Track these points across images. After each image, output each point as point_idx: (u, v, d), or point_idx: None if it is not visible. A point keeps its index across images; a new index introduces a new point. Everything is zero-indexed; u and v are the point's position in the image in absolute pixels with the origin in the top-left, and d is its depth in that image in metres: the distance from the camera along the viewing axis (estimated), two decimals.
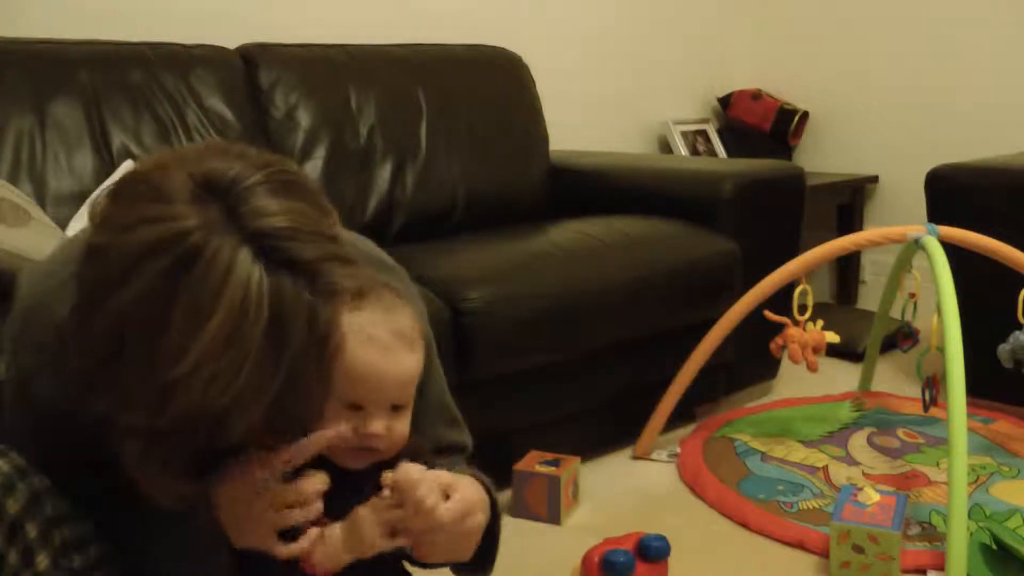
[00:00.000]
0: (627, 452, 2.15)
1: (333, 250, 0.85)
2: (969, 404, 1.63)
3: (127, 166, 1.88)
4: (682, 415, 2.22)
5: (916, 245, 1.96)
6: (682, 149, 3.22)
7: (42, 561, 0.93)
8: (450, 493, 0.97)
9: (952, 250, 1.89)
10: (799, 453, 2.12)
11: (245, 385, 0.79)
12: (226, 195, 0.80)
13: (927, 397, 2.06)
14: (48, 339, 0.94)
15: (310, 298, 0.81)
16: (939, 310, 1.76)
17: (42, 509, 0.93)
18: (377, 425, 0.98)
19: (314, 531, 0.95)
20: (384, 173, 2.28)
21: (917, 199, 2.42)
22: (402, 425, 1.01)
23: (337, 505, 0.98)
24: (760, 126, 3.37)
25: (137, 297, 0.78)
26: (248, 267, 0.79)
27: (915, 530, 1.74)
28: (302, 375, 0.83)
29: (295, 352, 0.81)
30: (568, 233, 2.16)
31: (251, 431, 0.85)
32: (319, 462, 0.97)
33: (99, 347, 0.80)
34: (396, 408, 1.00)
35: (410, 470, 0.95)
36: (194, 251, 0.77)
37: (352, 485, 0.99)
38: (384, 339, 0.99)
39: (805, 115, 3.40)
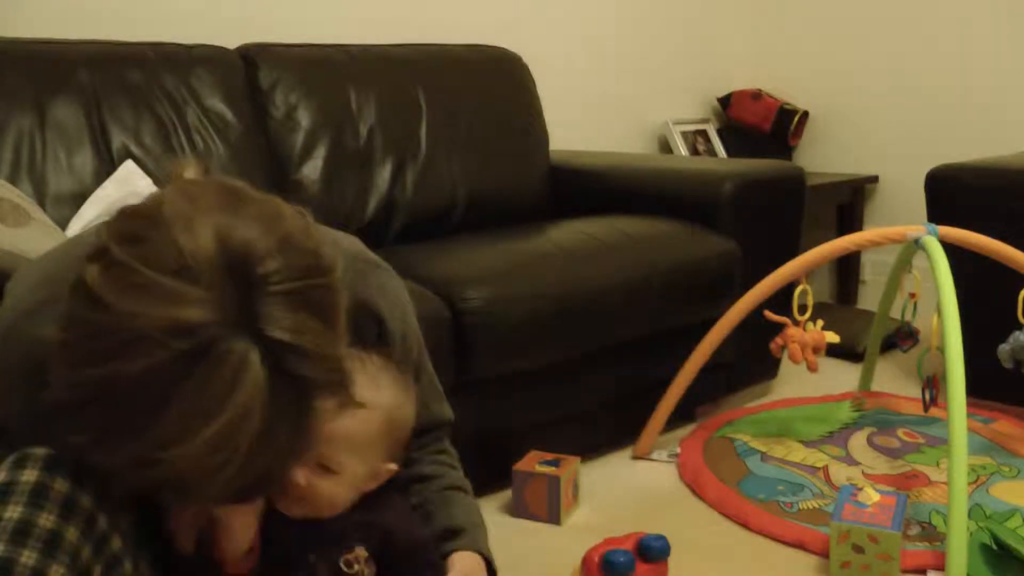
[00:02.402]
0: (627, 452, 2.15)
1: (336, 376, 0.86)
2: (969, 404, 1.63)
3: (127, 167, 1.88)
4: (682, 415, 2.22)
5: (916, 245, 1.95)
6: (682, 149, 3.22)
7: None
8: None
9: (952, 250, 1.89)
10: (799, 453, 2.12)
11: (223, 476, 0.80)
12: (250, 289, 0.78)
13: (927, 397, 2.06)
14: (15, 361, 0.94)
15: (300, 411, 0.83)
16: (939, 310, 1.76)
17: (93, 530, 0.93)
18: (347, 484, 1.03)
19: None
20: (384, 173, 2.28)
21: (917, 199, 2.42)
22: (330, 486, 1.03)
23: (318, 552, 1.02)
24: (760, 126, 3.37)
25: (139, 374, 0.75)
26: (257, 372, 0.78)
27: (915, 530, 1.74)
28: (274, 468, 0.85)
29: (275, 452, 0.83)
30: (568, 233, 2.15)
31: (210, 502, 0.89)
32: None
33: (84, 396, 0.78)
34: (322, 467, 1.02)
35: None
36: (207, 346, 0.75)
37: (332, 536, 1.03)
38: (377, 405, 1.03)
39: (805, 115, 3.40)
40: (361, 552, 1.04)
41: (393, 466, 1.11)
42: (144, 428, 0.77)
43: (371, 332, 1.10)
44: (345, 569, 1.03)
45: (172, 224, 0.77)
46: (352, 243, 1.15)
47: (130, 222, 0.80)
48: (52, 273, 0.97)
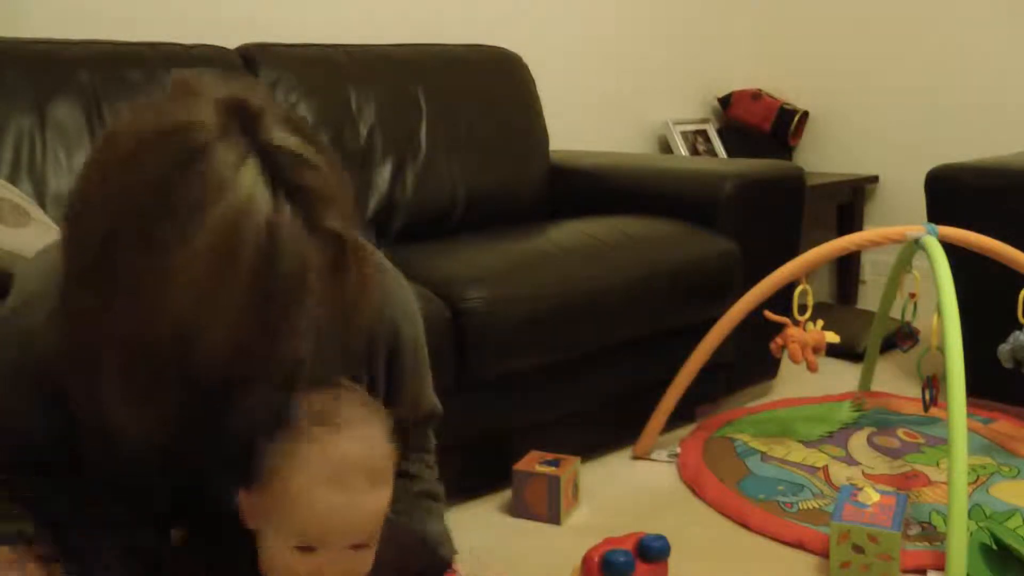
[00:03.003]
0: (627, 452, 2.15)
1: (342, 193, 0.84)
2: (969, 404, 1.63)
3: None
4: (682, 415, 2.22)
5: (916, 245, 1.96)
6: (682, 149, 3.22)
7: None
8: None
9: (952, 250, 1.89)
10: (799, 453, 2.12)
11: (221, 299, 0.77)
12: (250, 116, 0.81)
13: (927, 397, 2.06)
14: (12, 356, 0.95)
15: (306, 234, 0.80)
16: (939, 310, 1.76)
17: None
18: (329, 566, 0.91)
19: None
20: (384, 173, 2.28)
21: (917, 199, 2.42)
22: (363, 563, 0.95)
23: None
24: (760, 126, 3.37)
25: (139, 179, 0.78)
26: (252, 176, 0.78)
27: (915, 530, 1.74)
28: (276, 312, 0.80)
29: (277, 286, 0.79)
30: (568, 233, 2.15)
31: (213, 363, 0.81)
32: None
33: (95, 228, 0.80)
34: (357, 547, 0.93)
35: None
36: (201, 145, 0.77)
37: None
38: (352, 480, 0.90)
39: (805, 115, 3.40)
40: None
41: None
42: (148, 239, 0.77)
43: (382, 352, 1.09)
44: None
45: (188, 79, 0.84)
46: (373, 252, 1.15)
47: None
48: (44, 269, 0.98)
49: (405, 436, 1.05)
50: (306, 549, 0.90)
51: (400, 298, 1.13)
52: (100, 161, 0.82)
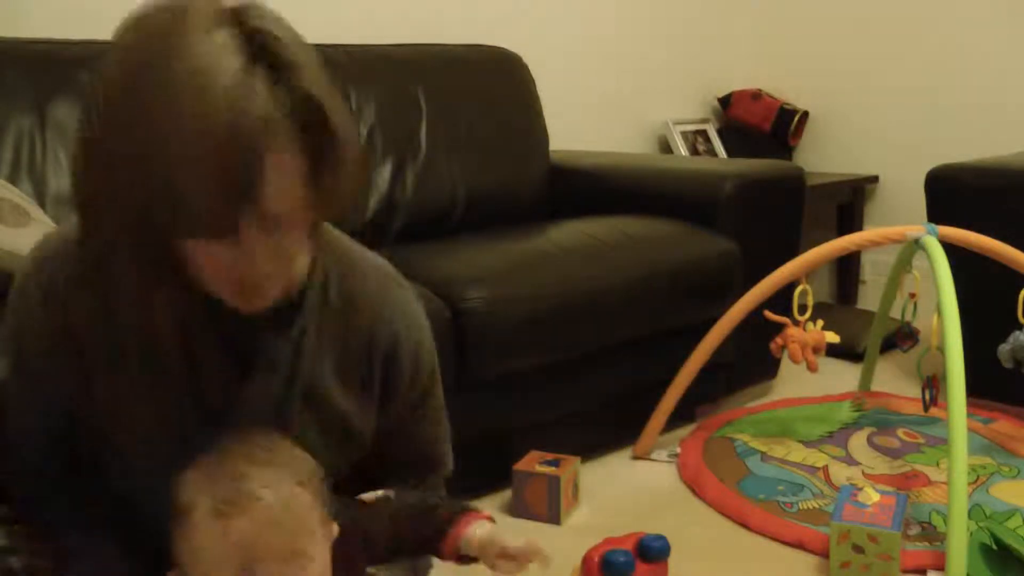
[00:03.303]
0: (627, 452, 2.15)
1: (325, 79, 0.88)
2: (969, 404, 1.63)
3: None
4: (682, 415, 2.22)
5: (916, 245, 1.96)
6: (682, 149, 3.22)
7: None
8: None
9: (952, 250, 1.89)
10: (799, 453, 2.12)
11: (194, 152, 0.79)
12: (239, 10, 0.84)
13: (927, 397, 2.06)
14: (35, 304, 0.98)
15: (285, 99, 0.83)
16: (939, 310, 1.76)
17: None
18: None
19: None
20: (384, 173, 2.28)
21: (917, 199, 2.42)
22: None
23: None
24: (760, 126, 3.37)
25: (124, 57, 0.84)
26: (223, 39, 0.81)
27: (915, 530, 1.74)
28: (250, 161, 0.81)
29: (248, 137, 0.80)
30: (568, 233, 2.15)
31: (196, 223, 0.82)
32: None
33: (95, 114, 0.88)
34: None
35: None
36: (180, 12, 0.82)
37: None
38: (265, 567, 0.85)
39: (805, 115, 3.40)
40: None
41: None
42: (131, 107, 0.82)
43: (380, 350, 1.08)
44: None
45: None
46: (380, 259, 1.14)
47: None
48: (50, 238, 1.03)
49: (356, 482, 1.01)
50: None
51: (409, 310, 1.12)
52: (103, 69, 0.87)
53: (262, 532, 0.84)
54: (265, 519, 0.85)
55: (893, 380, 2.58)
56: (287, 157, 0.83)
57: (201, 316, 0.95)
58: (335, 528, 0.96)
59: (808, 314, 2.03)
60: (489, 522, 1.05)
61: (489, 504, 1.89)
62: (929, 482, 1.96)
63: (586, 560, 1.53)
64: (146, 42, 0.83)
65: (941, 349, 1.72)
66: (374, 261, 1.12)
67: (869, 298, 3.31)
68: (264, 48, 0.83)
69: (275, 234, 0.86)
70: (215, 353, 0.98)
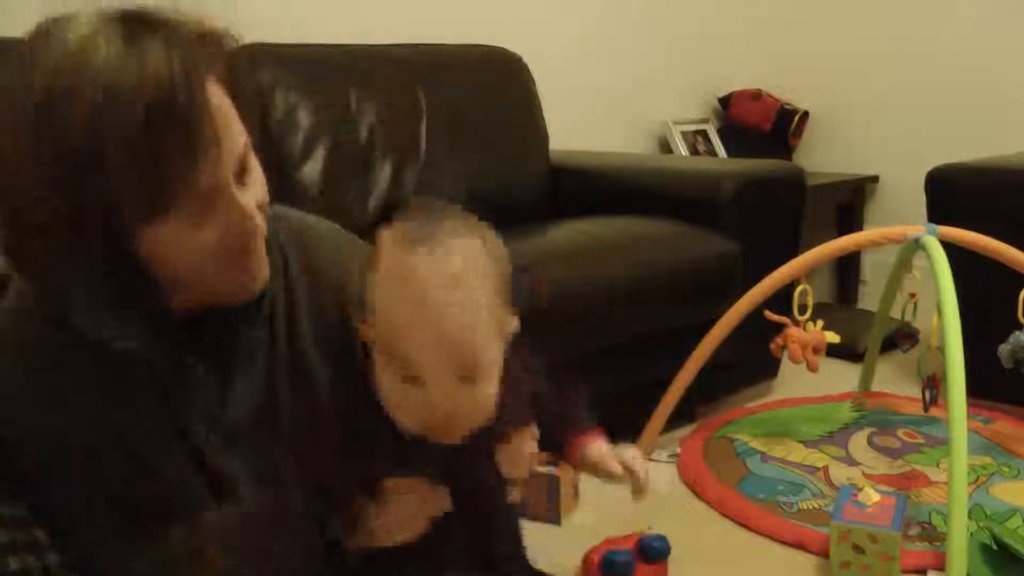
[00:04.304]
0: None
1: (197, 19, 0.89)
2: (969, 404, 1.63)
3: None
4: (682, 415, 2.22)
5: (916, 245, 1.96)
6: (682, 149, 3.22)
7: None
8: None
9: (952, 250, 1.89)
10: (799, 453, 2.12)
11: (110, 124, 0.77)
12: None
13: (927, 397, 2.06)
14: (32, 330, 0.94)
15: (165, 41, 0.82)
16: (939, 310, 1.76)
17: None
18: (437, 397, 0.84)
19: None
20: (384, 173, 2.28)
21: (917, 199, 2.42)
22: (478, 401, 0.87)
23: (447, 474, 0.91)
24: (760, 126, 3.37)
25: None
26: (95, 21, 0.83)
27: (915, 530, 1.74)
28: (174, 120, 0.80)
29: (158, 92, 0.79)
30: (568, 233, 2.15)
31: (136, 210, 0.81)
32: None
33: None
34: (464, 379, 0.85)
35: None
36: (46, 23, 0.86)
37: (461, 456, 0.90)
38: (431, 294, 0.82)
39: (805, 115, 3.40)
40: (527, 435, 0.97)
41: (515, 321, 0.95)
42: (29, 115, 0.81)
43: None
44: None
45: None
46: (330, 224, 1.17)
47: None
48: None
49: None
50: (413, 380, 0.84)
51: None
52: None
53: (440, 262, 0.83)
54: (446, 253, 0.85)
55: (893, 380, 2.58)
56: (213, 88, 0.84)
57: (177, 328, 0.93)
58: (515, 322, 0.95)
59: (808, 314, 2.03)
60: (605, 445, 1.11)
61: None
62: (929, 482, 1.96)
63: (586, 560, 1.53)
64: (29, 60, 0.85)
65: (941, 349, 1.72)
66: (328, 224, 1.14)
67: (869, 298, 3.31)
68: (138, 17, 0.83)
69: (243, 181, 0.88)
70: (198, 363, 0.97)
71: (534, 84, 2.65)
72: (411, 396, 0.85)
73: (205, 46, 0.87)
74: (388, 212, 0.88)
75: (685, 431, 2.25)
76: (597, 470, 1.09)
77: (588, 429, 1.11)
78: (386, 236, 0.89)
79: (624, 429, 2.14)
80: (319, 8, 2.47)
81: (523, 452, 1.00)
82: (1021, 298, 1.96)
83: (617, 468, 1.07)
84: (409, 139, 2.33)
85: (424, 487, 0.90)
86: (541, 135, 2.63)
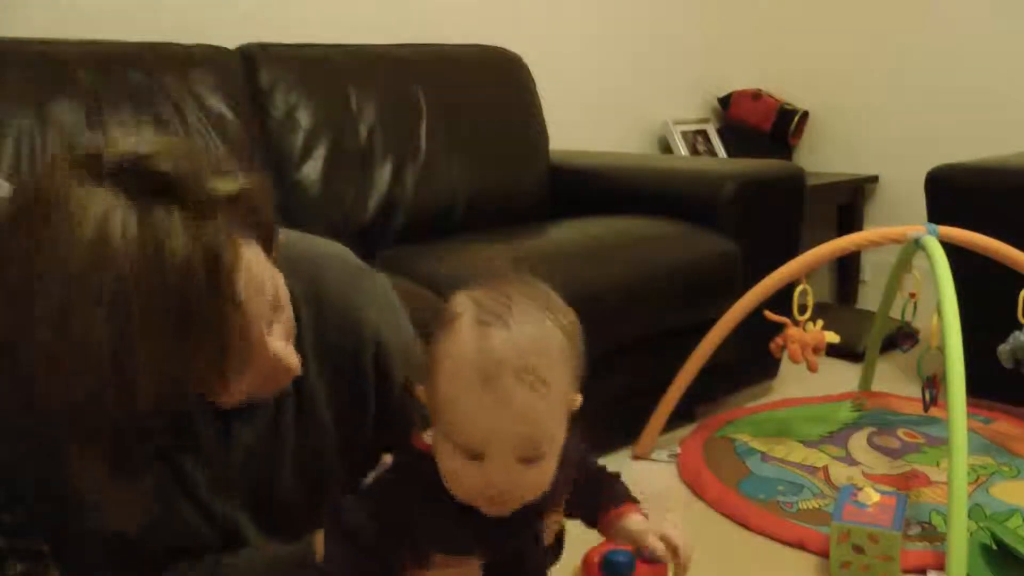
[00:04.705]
0: (627, 452, 2.15)
1: (205, 161, 0.80)
2: (969, 404, 1.63)
3: None
4: (682, 415, 2.22)
5: (916, 245, 1.96)
6: (682, 149, 3.22)
7: None
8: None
9: (952, 250, 1.89)
10: (799, 453, 2.12)
11: (133, 326, 0.73)
12: (91, 156, 0.78)
13: (927, 397, 2.06)
14: None
15: (183, 215, 0.75)
16: (939, 310, 1.76)
17: None
18: (496, 476, 0.84)
19: None
20: (384, 173, 2.28)
21: (917, 199, 2.42)
22: (536, 480, 0.87)
23: (493, 546, 0.92)
24: (760, 126, 3.37)
25: (3, 261, 0.76)
26: (103, 200, 0.74)
27: (915, 530, 1.74)
28: (200, 319, 0.75)
29: (182, 288, 0.74)
30: (568, 233, 2.16)
31: (161, 397, 0.76)
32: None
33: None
34: (527, 461, 0.86)
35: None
36: (43, 197, 0.75)
37: (508, 528, 0.91)
38: (501, 380, 0.82)
39: (805, 115, 3.40)
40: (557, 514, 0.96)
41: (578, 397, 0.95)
42: (28, 303, 0.74)
43: (368, 351, 1.06)
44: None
45: None
46: (339, 250, 1.12)
47: None
48: None
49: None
50: (474, 457, 0.84)
51: (378, 293, 1.10)
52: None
53: (513, 347, 0.83)
54: (518, 337, 0.85)
55: (893, 380, 2.58)
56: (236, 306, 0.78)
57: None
58: (578, 399, 0.95)
59: (808, 314, 2.03)
60: (644, 519, 1.10)
61: None
62: (929, 482, 1.96)
63: (586, 560, 1.53)
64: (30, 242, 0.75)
65: (941, 349, 1.72)
66: (336, 250, 1.10)
67: (869, 298, 3.31)
68: (144, 179, 0.76)
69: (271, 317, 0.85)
70: (204, 419, 0.95)
71: (534, 84, 2.65)
72: (469, 470, 0.85)
73: (228, 212, 0.80)
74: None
75: (685, 431, 2.25)
76: (636, 543, 1.08)
77: (627, 501, 1.12)
78: (456, 307, 0.87)
79: (624, 429, 2.15)
80: (319, 8, 2.47)
81: (553, 521, 1.00)
82: (1021, 298, 1.96)
83: (659, 546, 1.05)
84: (409, 139, 2.33)
85: (473, 568, 0.91)
86: (541, 135, 2.63)
